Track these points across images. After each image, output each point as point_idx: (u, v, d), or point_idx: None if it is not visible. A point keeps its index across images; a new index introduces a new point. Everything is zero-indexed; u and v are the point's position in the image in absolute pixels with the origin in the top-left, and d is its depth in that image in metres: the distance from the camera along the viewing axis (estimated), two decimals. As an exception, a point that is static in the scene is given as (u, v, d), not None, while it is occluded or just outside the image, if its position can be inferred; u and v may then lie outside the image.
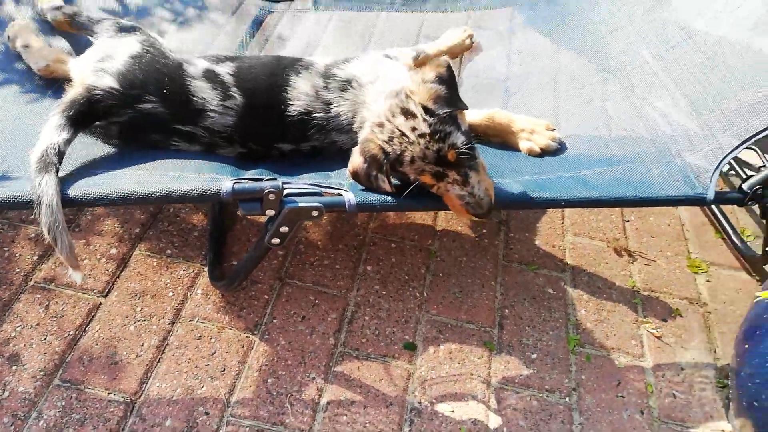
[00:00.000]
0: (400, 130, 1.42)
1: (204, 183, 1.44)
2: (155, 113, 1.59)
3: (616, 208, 2.26)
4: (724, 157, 1.60)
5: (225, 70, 1.66)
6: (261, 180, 1.45)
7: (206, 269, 1.87)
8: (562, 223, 2.19)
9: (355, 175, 1.49)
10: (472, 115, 1.82)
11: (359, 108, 1.59)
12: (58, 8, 2.00)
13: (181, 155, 1.61)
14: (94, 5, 2.10)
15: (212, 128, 1.61)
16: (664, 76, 1.88)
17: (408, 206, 1.59)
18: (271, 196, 1.42)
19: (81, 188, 1.40)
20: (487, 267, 2.00)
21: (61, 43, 1.99)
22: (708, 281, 2.04)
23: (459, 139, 1.42)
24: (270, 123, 1.65)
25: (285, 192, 1.46)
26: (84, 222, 1.98)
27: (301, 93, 1.64)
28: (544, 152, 1.75)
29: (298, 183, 1.51)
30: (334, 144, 1.64)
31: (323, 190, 1.49)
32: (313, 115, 1.63)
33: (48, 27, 2.01)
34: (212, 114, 1.60)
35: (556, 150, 1.77)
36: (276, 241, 1.51)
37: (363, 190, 1.49)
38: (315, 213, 1.46)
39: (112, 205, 1.71)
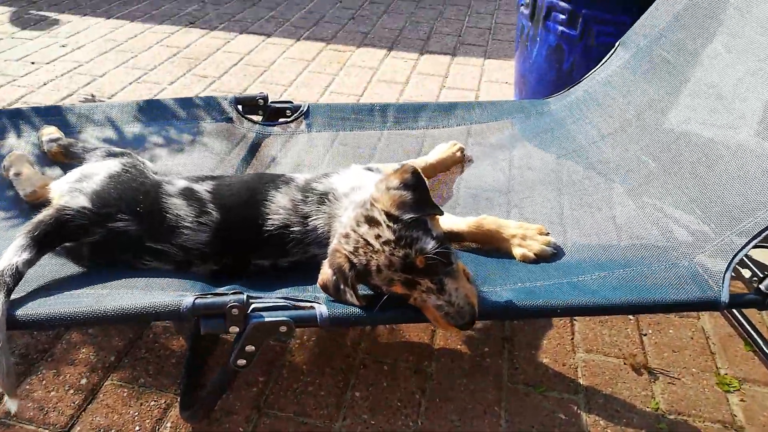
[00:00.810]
0: (364, 239, 1.35)
1: (164, 299, 1.35)
2: (127, 231, 1.55)
3: (632, 321, 2.08)
4: (736, 255, 1.46)
5: (203, 188, 1.64)
6: (225, 294, 1.35)
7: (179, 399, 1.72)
8: (572, 338, 2.01)
9: (324, 288, 1.40)
10: (458, 223, 1.74)
11: (333, 220, 1.53)
12: (54, 140, 2.06)
13: (150, 273, 1.54)
14: (93, 136, 2.17)
15: (185, 245, 1.55)
16: (663, 176, 1.80)
17: (384, 319, 1.46)
18: (235, 311, 1.32)
19: (32, 309, 1.33)
20: (489, 390, 1.80)
21: (56, 172, 2.02)
22: (742, 401, 1.80)
23: (428, 244, 1.33)
24: (247, 238, 1.59)
25: (251, 307, 1.36)
26: (58, 350, 1.87)
27: (279, 207, 1.59)
28: (539, 258, 1.64)
29: (268, 297, 1.41)
30: (315, 258, 1.55)
31: (295, 303, 1.39)
32: (291, 228, 1.57)
33: (46, 158, 2.06)
34: (186, 231, 1.55)
35: (553, 255, 1.66)
36: (242, 362, 1.38)
37: (333, 301, 1.38)
38: (283, 328, 1.34)
39: (64, 325, 1.61)
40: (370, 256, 1.34)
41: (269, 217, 1.58)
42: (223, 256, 1.59)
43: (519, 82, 3.21)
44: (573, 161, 2.08)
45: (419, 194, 1.42)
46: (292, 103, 2.36)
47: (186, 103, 2.27)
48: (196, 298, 1.33)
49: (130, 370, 1.82)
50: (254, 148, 2.18)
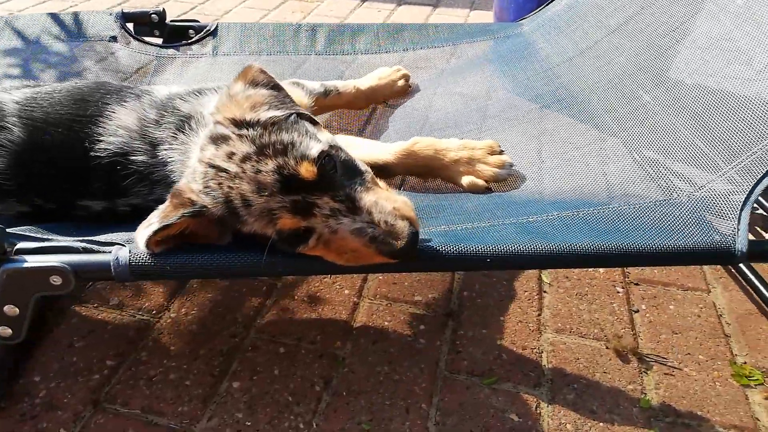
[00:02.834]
0: (213, 166, 0.89)
1: None
2: None
3: (619, 294, 1.59)
4: (757, 183, 0.97)
5: (10, 97, 1.18)
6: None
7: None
8: (539, 314, 1.52)
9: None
10: (382, 153, 1.28)
11: (191, 154, 1.06)
12: None
13: None
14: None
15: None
16: (665, 117, 1.29)
17: (242, 268, 0.94)
18: (-15, 255, 0.86)
19: None
20: (419, 380, 1.33)
21: None
22: (767, 398, 1.31)
23: (313, 145, 0.89)
24: (64, 167, 1.13)
25: (15, 248, 0.89)
26: None
27: (119, 126, 1.13)
28: (493, 185, 1.20)
29: (51, 237, 0.94)
30: (162, 202, 1.09)
31: (85, 245, 0.92)
32: (131, 158, 1.10)
33: None
34: (-28, 155, 1.10)
35: (507, 180, 1.20)
36: (5, 331, 0.92)
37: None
38: (56, 279, 0.87)
39: None
40: (228, 188, 0.88)
41: (101, 138, 1.12)
42: (31, 192, 1.14)
43: (496, 20, 2.71)
44: (550, 96, 1.58)
45: (278, 92, 0.99)
46: (197, 22, 1.89)
47: (63, 19, 1.81)
48: None
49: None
50: (135, 74, 1.71)
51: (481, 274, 1.62)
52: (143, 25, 1.84)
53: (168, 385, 1.29)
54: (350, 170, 0.94)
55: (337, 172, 0.90)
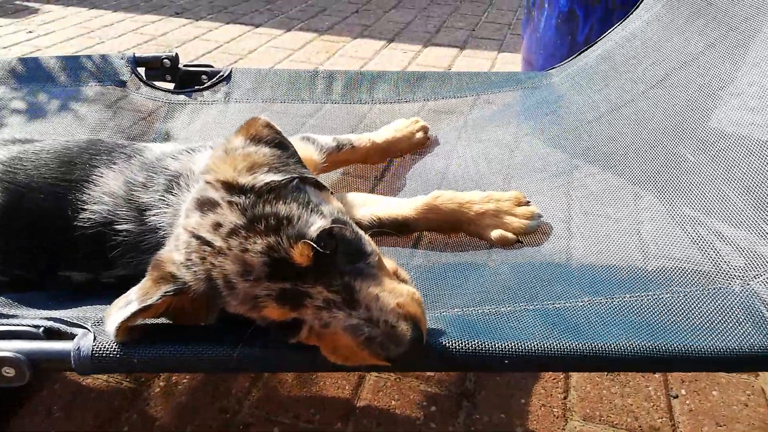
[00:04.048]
0: (197, 236, 0.78)
1: None
2: None
3: (656, 376, 1.42)
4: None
5: None
6: None
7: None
8: (565, 397, 1.37)
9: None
10: (402, 208, 1.18)
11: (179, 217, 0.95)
12: None
13: None
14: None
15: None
16: (709, 175, 1.15)
17: (218, 361, 0.82)
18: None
19: None
20: (427, 474, 1.18)
21: None
22: None
23: (313, 222, 0.77)
24: (46, 237, 1.04)
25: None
26: None
27: (104, 193, 1.04)
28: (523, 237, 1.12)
29: (12, 310, 0.84)
30: None
31: (49, 326, 0.82)
32: (117, 227, 1.00)
33: None
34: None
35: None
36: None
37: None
38: (8, 371, 0.77)
39: None
40: (209, 264, 0.77)
41: (84, 207, 1.03)
42: (11, 263, 1.05)
43: (524, 66, 2.61)
44: (581, 154, 1.45)
45: (282, 151, 0.88)
46: (211, 66, 1.82)
47: (71, 62, 1.76)
48: None
49: None
50: (143, 121, 1.64)
51: (501, 347, 1.47)
52: (155, 69, 1.78)
53: (147, 469, 1.17)
54: (354, 251, 0.81)
55: (338, 253, 0.78)
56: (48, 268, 1.04)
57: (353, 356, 0.76)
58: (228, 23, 4.17)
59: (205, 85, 1.77)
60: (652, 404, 1.35)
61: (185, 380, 1.36)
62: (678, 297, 0.94)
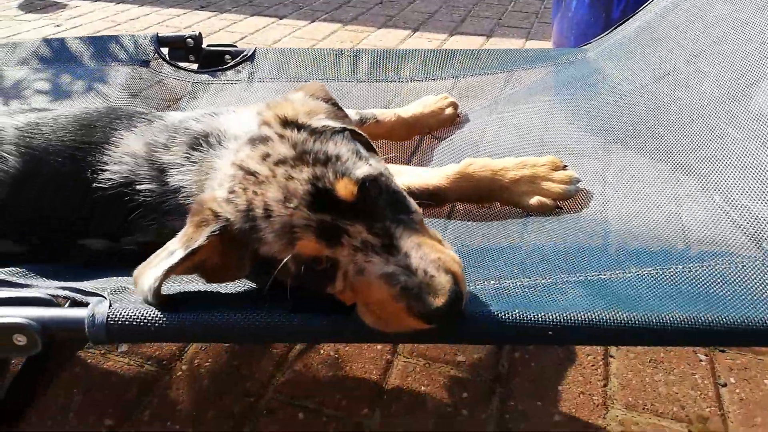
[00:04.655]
0: (243, 168, 0.75)
1: None
2: None
3: (702, 363, 1.34)
4: None
5: (12, 123, 1.07)
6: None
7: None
8: (605, 385, 1.29)
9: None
10: (434, 177, 1.13)
11: (211, 175, 0.90)
12: None
13: None
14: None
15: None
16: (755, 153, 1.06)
17: (247, 331, 0.75)
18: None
19: None
20: (459, 462, 1.12)
21: None
22: None
23: (359, 165, 0.74)
24: (63, 201, 1.01)
25: (-25, 300, 0.75)
26: None
27: (125, 153, 1.00)
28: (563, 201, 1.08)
29: (28, 280, 0.80)
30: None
31: (58, 294, 0.77)
32: (137, 187, 0.96)
33: None
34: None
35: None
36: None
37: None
38: (20, 338, 0.73)
39: None
40: (252, 193, 0.73)
41: (104, 168, 0.99)
42: (29, 230, 1.02)
43: (557, 47, 2.52)
44: (621, 127, 1.37)
45: (338, 109, 0.89)
46: (235, 46, 1.78)
47: (95, 42, 1.74)
48: None
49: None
50: (166, 100, 1.61)
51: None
52: (179, 49, 1.75)
53: (167, 452, 1.13)
54: (398, 204, 0.77)
55: (382, 201, 0.74)
56: (66, 236, 1.01)
57: (389, 315, 0.70)
58: (252, 15, 4.15)
59: (229, 65, 1.73)
60: (699, 393, 1.27)
61: (208, 363, 1.32)
62: (734, 267, 0.86)
